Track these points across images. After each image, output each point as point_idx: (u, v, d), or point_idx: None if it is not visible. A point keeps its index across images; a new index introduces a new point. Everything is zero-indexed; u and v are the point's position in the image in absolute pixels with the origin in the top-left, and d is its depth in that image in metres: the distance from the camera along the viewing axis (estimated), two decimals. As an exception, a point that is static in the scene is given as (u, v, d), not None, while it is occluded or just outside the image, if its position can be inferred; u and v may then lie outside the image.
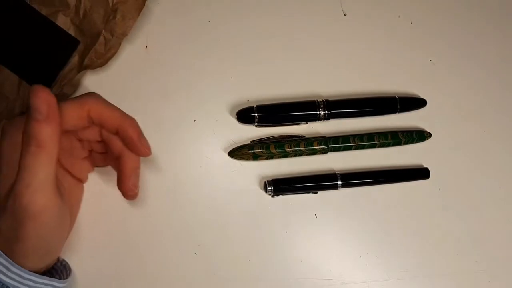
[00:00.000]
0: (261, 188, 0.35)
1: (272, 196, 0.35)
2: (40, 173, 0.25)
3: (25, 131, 0.26)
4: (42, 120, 0.25)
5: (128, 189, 0.29)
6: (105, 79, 0.36)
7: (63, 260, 0.32)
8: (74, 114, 0.28)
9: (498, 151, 0.38)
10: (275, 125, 0.36)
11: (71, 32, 0.35)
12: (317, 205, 0.35)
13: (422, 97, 0.37)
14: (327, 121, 0.36)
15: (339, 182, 0.35)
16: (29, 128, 0.25)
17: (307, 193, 0.35)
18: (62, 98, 0.34)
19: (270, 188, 0.34)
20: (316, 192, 0.35)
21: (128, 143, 0.29)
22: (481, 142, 0.38)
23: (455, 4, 0.39)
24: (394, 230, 0.36)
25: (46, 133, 0.25)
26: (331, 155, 0.36)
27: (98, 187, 0.34)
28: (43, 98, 0.25)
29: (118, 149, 0.30)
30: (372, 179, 0.36)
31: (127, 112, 0.28)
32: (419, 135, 0.36)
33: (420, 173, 0.36)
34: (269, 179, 0.35)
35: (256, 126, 0.36)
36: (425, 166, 0.37)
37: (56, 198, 0.26)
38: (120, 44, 0.34)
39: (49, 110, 0.25)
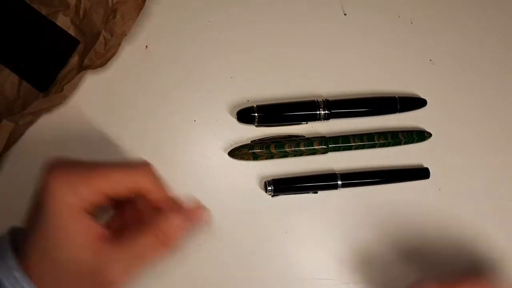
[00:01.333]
0: (261, 188, 0.35)
1: (272, 196, 0.35)
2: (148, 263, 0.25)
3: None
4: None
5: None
6: (105, 79, 0.36)
7: None
8: (124, 185, 0.26)
9: (498, 151, 0.38)
10: (275, 125, 0.36)
11: (71, 32, 0.36)
12: (317, 205, 0.35)
13: (422, 97, 0.37)
14: (327, 121, 0.36)
15: (339, 182, 0.35)
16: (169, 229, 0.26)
17: (307, 193, 0.35)
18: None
19: (270, 188, 0.34)
20: (316, 192, 0.35)
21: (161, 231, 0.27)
22: (481, 142, 0.38)
23: (455, 4, 0.39)
24: (394, 230, 0.36)
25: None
26: (331, 155, 0.36)
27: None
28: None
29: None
30: (372, 179, 0.36)
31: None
32: (419, 135, 0.36)
33: (420, 173, 0.36)
34: (269, 179, 0.35)
35: (256, 126, 0.35)
36: (425, 166, 0.37)
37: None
38: (119, 44, 0.34)
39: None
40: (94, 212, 0.26)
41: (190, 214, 0.27)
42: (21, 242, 0.25)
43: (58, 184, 0.24)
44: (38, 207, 0.25)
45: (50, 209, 0.24)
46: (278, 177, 0.35)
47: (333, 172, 0.36)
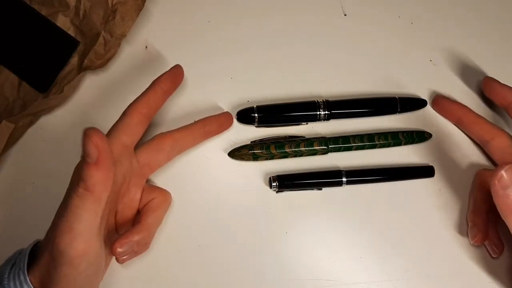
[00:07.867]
0: (261, 188, 0.35)
1: (277, 192, 0.35)
2: (85, 218, 0.24)
3: (76, 171, 0.26)
4: (92, 164, 0.23)
5: (114, 248, 0.29)
6: (105, 79, 0.36)
7: None
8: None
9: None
10: (275, 126, 0.36)
11: (71, 32, 0.36)
12: (317, 205, 0.35)
13: (422, 97, 0.37)
14: (327, 121, 0.36)
15: (344, 179, 0.35)
16: (80, 169, 0.24)
17: (312, 189, 0.35)
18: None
19: (275, 184, 0.34)
20: (321, 189, 0.35)
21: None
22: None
23: (455, 4, 0.39)
24: (395, 230, 0.35)
25: (96, 178, 0.24)
26: (331, 156, 0.36)
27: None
28: (93, 143, 0.23)
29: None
30: (377, 177, 0.35)
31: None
32: (419, 136, 0.36)
33: (425, 171, 0.36)
34: (273, 175, 0.35)
35: (256, 126, 0.35)
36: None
37: (97, 244, 0.26)
38: (119, 44, 0.34)
39: (99, 156, 0.24)
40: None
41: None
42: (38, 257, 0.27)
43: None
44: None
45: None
46: (282, 173, 0.35)
47: (338, 169, 0.35)
